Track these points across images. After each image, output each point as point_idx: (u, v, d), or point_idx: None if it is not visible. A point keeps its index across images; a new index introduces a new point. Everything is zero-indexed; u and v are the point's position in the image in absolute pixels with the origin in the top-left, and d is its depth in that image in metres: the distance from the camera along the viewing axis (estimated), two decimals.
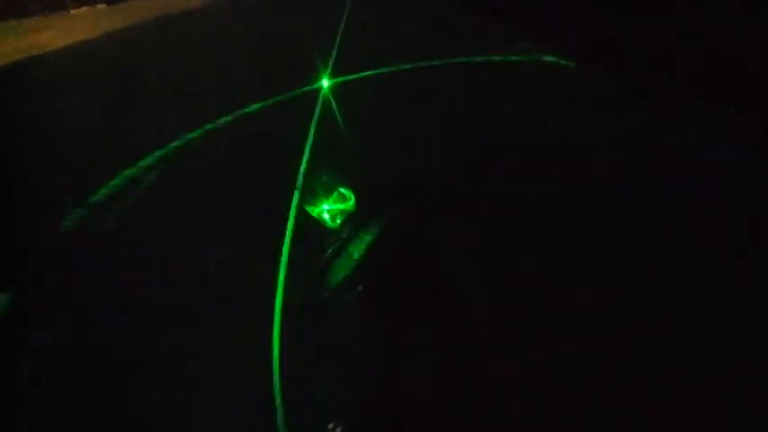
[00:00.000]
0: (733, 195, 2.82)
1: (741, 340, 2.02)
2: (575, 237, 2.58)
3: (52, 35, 7.82)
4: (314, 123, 3.98)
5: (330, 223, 2.63)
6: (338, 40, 5.59)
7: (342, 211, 2.67)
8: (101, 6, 9.27)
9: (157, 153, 3.94)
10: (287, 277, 2.54)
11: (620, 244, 2.53)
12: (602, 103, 3.68)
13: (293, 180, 3.16)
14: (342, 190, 2.73)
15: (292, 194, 2.98)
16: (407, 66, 4.76)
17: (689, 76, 3.93)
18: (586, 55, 4.41)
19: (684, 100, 3.54)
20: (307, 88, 4.71)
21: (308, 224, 2.69)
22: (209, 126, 4.30)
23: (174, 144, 4.06)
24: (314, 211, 2.68)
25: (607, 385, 1.90)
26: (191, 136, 4.13)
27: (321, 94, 4.56)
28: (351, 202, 2.68)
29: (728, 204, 2.76)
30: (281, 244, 2.73)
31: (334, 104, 4.39)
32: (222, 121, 4.39)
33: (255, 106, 4.58)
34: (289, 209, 2.87)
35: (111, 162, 3.94)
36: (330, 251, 2.46)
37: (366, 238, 2.52)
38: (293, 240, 2.68)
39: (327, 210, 2.65)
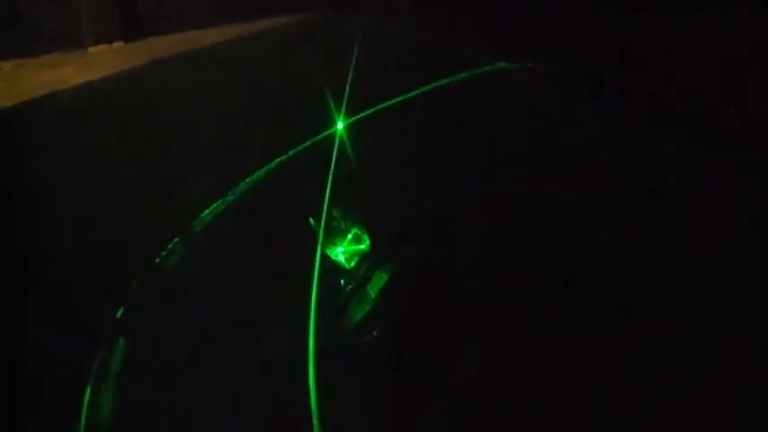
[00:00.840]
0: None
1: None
2: (596, 273, 2.57)
3: (70, 72, 7.97)
4: (332, 169, 4.00)
5: (346, 264, 2.60)
6: (350, 78, 5.64)
7: (357, 252, 2.64)
8: (118, 44, 9.46)
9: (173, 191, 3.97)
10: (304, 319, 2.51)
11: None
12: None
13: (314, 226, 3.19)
14: (356, 231, 2.71)
15: (313, 239, 2.98)
16: (424, 90, 4.78)
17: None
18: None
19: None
20: (323, 134, 4.74)
21: (324, 266, 2.67)
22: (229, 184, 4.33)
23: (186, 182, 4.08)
24: (330, 252, 2.66)
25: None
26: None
27: (337, 138, 4.58)
28: (366, 243, 2.65)
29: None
30: (303, 289, 2.72)
31: (349, 146, 4.41)
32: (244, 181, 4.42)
33: (275, 161, 4.60)
34: (310, 255, 2.88)
35: (124, 200, 3.97)
36: (346, 292, 2.43)
37: (382, 279, 2.49)
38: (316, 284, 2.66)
39: (343, 251, 2.62)
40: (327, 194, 3.59)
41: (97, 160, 4.85)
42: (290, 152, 4.63)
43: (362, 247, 2.64)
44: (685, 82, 4.17)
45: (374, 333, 2.31)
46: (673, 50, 4.63)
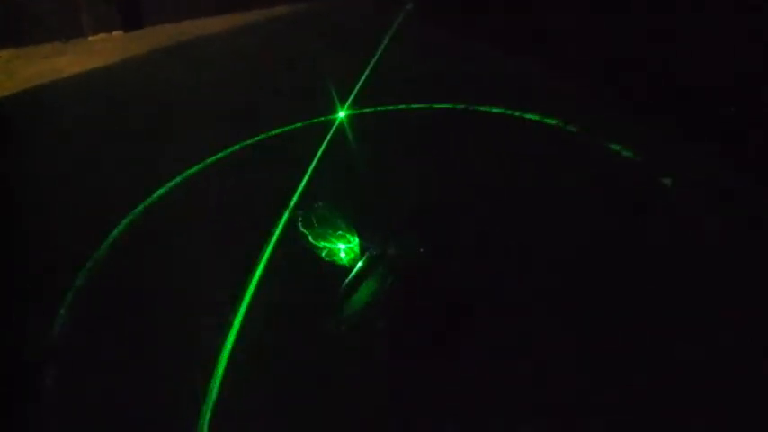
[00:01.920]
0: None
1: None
2: (590, 265, 2.58)
3: (69, 61, 7.91)
4: (319, 153, 3.99)
5: (344, 261, 2.59)
6: (365, 73, 5.57)
7: (351, 248, 2.62)
8: (117, 33, 9.39)
9: (172, 182, 3.95)
10: (299, 314, 2.50)
11: (638, 259, 2.52)
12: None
13: (296, 208, 3.20)
14: (347, 227, 2.68)
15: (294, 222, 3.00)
16: (433, 105, 4.72)
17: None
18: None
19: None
20: (321, 118, 4.70)
21: (320, 262, 2.66)
22: (219, 154, 4.30)
23: (183, 176, 4.05)
24: (324, 248, 2.63)
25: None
26: (194, 170, 4.12)
27: (335, 125, 4.55)
28: (356, 240, 2.63)
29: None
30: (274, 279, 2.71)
31: (347, 136, 4.38)
32: (233, 148, 4.39)
33: (270, 133, 4.57)
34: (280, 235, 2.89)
35: (125, 189, 3.95)
36: (343, 288, 2.42)
37: (378, 275, 2.47)
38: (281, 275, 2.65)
39: (342, 249, 2.60)
40: (306, 178, 3.61)
41: (93, 152, 4.82)
42: (287, 128, 4.62)
43: (353, 243, 2.62)
44: (685, 82, 4.14)
45: (374, 327, 2.31)
46: (672, 50, 4.59)
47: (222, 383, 2.19)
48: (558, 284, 2.49)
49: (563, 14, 5.97)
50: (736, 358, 2.03)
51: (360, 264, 2.46)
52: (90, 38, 9.09)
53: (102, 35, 9.15)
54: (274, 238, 3.03)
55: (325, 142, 4.16)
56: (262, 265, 2.82)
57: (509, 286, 2.51)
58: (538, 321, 2.31)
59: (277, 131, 4.60)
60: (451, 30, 6.72)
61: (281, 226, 3.13)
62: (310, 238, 2.69)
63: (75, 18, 8.97)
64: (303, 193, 3.49)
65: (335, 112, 4.80)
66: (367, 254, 2.50)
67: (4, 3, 8.55)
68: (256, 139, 4.51)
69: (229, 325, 2.46)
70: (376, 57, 6.01)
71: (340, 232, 2.62)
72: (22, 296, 2.98)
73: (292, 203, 3.33)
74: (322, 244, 2.65)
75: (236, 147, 4.40)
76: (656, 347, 2.11)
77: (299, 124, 4.68)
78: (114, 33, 9.23)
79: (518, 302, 2.41)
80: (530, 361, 2.14)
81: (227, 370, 2.25)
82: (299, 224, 2.78)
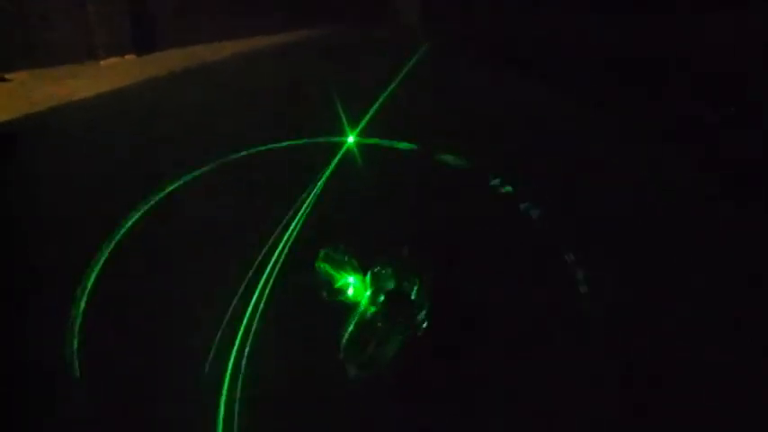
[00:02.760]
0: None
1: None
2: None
3: (81, 84, 7.99)
4: (323, 177, 3.95)
5: (349, 298, 2.50)
6: (381, 101, 5.54)
7: (355, 284, 2.53)
8: (130, 56, 9.51)
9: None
10: (304, 352, 2.43)
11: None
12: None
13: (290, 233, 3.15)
14: (352, 261, 2.59)
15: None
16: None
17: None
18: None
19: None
20: (328, 139, 4.67)
21: (324, 300, 2.58)
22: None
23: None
24: (330, 285, 2.55)
25: None
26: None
27: (342, 149, 4.51)
28: (360, 275, 2.54)
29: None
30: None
31: (355, 162, 4.34)
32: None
33: (277, 156, 4.55)
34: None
35: (133, 205, 3.93)
36: (351, 327, 2.33)
37: (387, 311, 2.39)
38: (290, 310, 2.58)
39: (351, 283, 2.51)
40: (309, 206, 3.56)
41: (104, 175, 4.82)
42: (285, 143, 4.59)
43: (359, 278, 2.53)
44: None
45: (383, 365, 2.23)
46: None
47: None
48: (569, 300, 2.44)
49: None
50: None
51: (365, 301, 2.38)
52: (102, 62, 9.21)
53: (114, 59, 9.27)
54: (276, 267, 2.97)
55: (331, 168, 4.12)
56: (259, 301, 2.74)
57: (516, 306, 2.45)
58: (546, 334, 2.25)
59: (283, 155, 4.58)
60: (471, 64, 6.74)
61: (281, 255, 3.07)
62: (316, 272, 2.58)
63: (87, 41, 9.10)
64: (304, 222, 3.43)
65: (344, 136, 4.77)
66: (371, 291, 2.41)
67: (15, 26, 8.69)
68: (261, 159, 4.49)
69: (222, 372, 2.37)
70: (389, 87, 6.00)
71: (347, 267, 2.52)
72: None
73: (293, 234, 3.28)
74: (331, 274, 2.55)
75: (241, 172, 4.38)
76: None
77: (306, 143, 4.66)
78: (127, 57, 9.35)
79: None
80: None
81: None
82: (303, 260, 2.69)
